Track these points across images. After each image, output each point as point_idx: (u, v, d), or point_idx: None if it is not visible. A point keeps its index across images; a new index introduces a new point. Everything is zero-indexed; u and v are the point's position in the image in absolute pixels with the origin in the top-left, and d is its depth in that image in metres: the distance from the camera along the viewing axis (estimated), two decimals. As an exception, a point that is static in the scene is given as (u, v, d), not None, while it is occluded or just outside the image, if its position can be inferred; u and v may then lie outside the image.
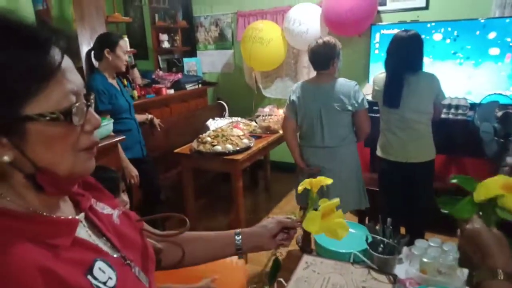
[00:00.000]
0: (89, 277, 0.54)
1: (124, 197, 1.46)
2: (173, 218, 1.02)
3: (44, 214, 0.55)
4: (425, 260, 1.30)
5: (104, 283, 0.55)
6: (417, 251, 1.39)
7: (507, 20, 2.91)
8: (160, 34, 4.29)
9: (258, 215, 3.36)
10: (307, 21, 3.52)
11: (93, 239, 0.61)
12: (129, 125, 2.52)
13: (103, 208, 0.70)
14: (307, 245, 2.67)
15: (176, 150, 2.81)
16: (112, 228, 0.68)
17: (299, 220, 0.94)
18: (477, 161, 2.49)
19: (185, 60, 4.40)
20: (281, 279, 1.25)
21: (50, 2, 3.15)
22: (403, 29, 2.33)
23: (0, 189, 0.53)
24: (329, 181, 0.96)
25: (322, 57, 2.31)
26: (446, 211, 0.77)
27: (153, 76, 3.85)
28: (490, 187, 0.73)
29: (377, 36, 3.45)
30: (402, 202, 2.36)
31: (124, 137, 2.23)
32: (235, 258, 1.65)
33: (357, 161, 2.47)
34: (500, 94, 2.32)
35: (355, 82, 2.36)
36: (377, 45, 3.46)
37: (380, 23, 3.53)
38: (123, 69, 2.48)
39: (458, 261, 0.75)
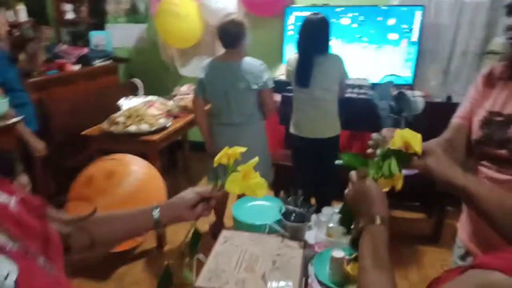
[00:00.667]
0: None
1: (23, 179, 1.33)
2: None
3: None
4: (330, 225, 1.43)
5: (4, 279, 0.51)
6: (323, 218, 1.52)
7: (404, 9, 3.23)
8: (63, 4, 3.87)
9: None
10: (224, -1, 3.49)
11: None
12: (22, 98, 2.30)
13: None
14: (218, 231, 2.71)
15: (84, 132, 2.61)
16: (10, 217, 0.62)
17: (217, 189, 0.96)
18: (376, 136, 2.77)
19: (93, 33, 4.05)
20: (201, 254, 1.27)
21: None
22: (312, 12, 2.45)
23: None
24: (243, 149, 0.99)
25: (232, 36, 2.33)
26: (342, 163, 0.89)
27: (56, 50, 3.48)
28: (399, 138, 0.85)
29: (292, 17, 3.56)
30: (312, 175, 2.55)
31: (23, 116, 2.02)
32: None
33: (264, 138, 2.58)
34: (395, 75, 2.59)
35: (261, 61, 2.42)
36: (291, 27, 3.58)
37: (294, 5, 3.65)
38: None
39: (339, 221, 0.86)
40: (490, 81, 1.10)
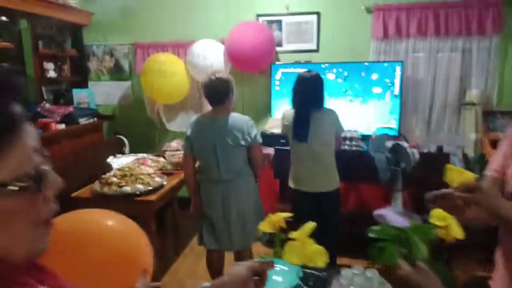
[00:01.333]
0: None
1: None
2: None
3: None
4: (352, 288, 1.35)
5: None
6: (344, 280, 1.44)
7: (385, 64, 3.44)
8: (45, 63, 3.82)
9: (169, 260, 3.13)
10: (211, 56, 3.58)
11: None
12: None
13: None
14: None
15: (73, 194, 2.46)
16: None
17: (270, 262, 0.89)
18: (373, 187, 2.79)
19: (75, 91, 3.99)
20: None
21: None
22: (305, 70, 2.55)
23: None
24: (288, 214, 0.94)
25: (218, 93, 2.32)
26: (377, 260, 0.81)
27: (38, 109, 3.37)
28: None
29: (278, 73, 3.68)
30: (316, 230, 2.48)
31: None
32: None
33: (256, 193, 2.48)
34: (389, 127, 2.67)
35: (248, 117, 2.40)
36: (277, 82, 3.69)
37: (278, 62, 3.79)
38: None
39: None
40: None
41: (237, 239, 2.34)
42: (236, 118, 2.34)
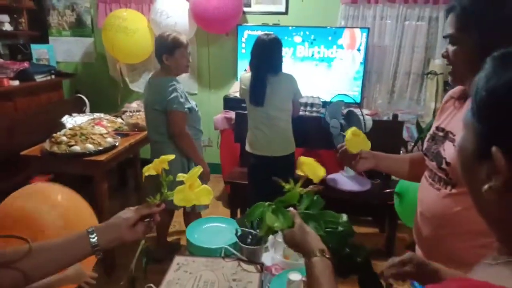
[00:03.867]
0: None
1: None
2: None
3: None
4: (286, 246, 1.41)
5: None
6: (280, 238, 1.50)
7: (352, 30, 3.39)
8: (-1, 14, 3.60)
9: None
10: (175, 14, 3.44)
11: None
12: None
13: None
14: (162, 254, 2.42)
15: (23, 152, 2.41)
16: None
17: (157, 203, 0.91)
18: (328, 153, 2.84)
19: (34, 46, 3.80)
20: (151, 285, 1.19)
21: None
22: (264, 32, 2.49)
23: None
24: (171, 157, 0.98)
25: (156, 50, 2.28)
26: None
27: (-10, 64, 3.22)
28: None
29: (245, 35, 3.59)
30: (268, 194, 2.53)
31: None
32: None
33: (182, 160, 2.37)
34: (345, 94, 2.69)
35: (172, 81, 2.23)
36: (243, 45, 3.61)
37: (246, 24, 3.69)
38: None
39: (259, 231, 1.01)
40: (448, 100, 1.17)
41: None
42: (159, 81, 2.27)
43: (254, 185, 2.65)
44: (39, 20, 4.05)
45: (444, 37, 1.04)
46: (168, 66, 2.26)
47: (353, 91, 3.44)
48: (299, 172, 1.02)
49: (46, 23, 4.13)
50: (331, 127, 2.60)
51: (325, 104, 3.13)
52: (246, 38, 3.58)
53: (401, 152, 3.00)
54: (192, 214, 2.45)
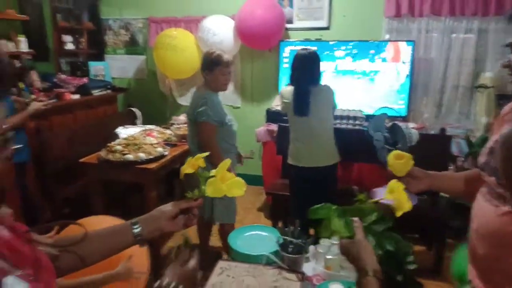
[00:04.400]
0: None
1: (6, 209, 1.31)
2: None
3: None
4: (328, 257, 1.42)
5: None
6: (321, 249, 1.51)
7: (396, 43, 3.36)
8: (63, 35, 3.96)
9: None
10: (221, 32, 3.60)
11: None
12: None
13: None
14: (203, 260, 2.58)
15: (82, 160, 2.61)
16: (5, 244, 0.63)
17: (195, 198, 0.95)
18: (371, 166, 2.81)
19: (92, 63, 4.13)
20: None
21: None
22: (302, 47, 2.56)
23: None
24: (205, 154, 1.01)
25: (201, 65, 2.39)
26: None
27: (55, 80, 3.54)
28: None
29: (287, 51, 3.67)
30: (311, 205, 2.53)
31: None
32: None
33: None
34: (388, 107, 2.66)
35: (206, 95, 2.29)
36: (285, 60, 3.69)
37: (288, 40, 3.78)
38: None
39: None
40: (508, 112, 1.13)
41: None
42: (196, 94, 2.37)
43: (296, 196, 2.67)
44: (96, 39, 4.40)
45: (507, 45, 1.02)
46: (208, 81, 2.36)
47: (398, 104, 3.38)
48: (387, 196, 1.00)
49: (103, 42, 4.47)
50: (375, 140, 2.57)
51: (368, 117, 3.11)
52: (288, 53, 3.66)
53: (450, 168, 2.89)
54: (226, 225, 2.47)
